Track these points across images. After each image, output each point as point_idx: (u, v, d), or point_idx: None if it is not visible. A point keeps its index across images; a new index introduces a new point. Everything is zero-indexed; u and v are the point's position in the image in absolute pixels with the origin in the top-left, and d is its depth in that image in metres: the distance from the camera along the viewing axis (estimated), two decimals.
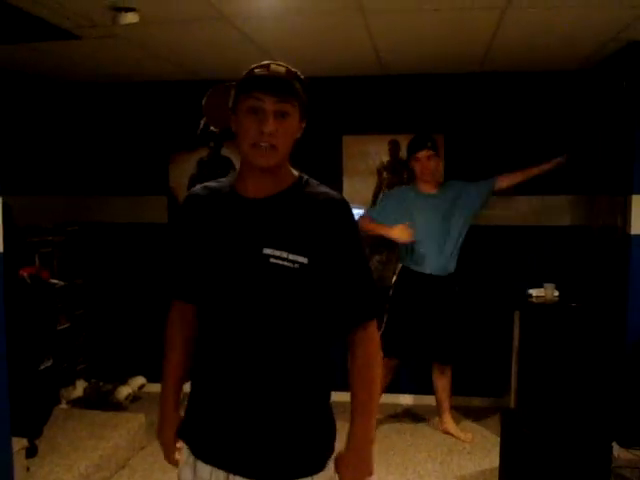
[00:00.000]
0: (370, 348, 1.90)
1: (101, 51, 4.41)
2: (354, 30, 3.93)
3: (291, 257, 1.78)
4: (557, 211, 5.22)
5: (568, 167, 5.00)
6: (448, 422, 4.82)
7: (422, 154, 4.58)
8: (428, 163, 4.58)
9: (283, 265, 1.78)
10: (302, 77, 1.87)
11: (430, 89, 5.30)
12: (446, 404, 4.82)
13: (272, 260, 1.78)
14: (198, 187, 2.01)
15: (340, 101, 5.32)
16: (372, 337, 1.91)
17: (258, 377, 1.82)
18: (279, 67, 1.83)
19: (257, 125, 1.76)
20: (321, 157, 5.21)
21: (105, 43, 4.15)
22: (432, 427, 4.93)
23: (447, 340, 4.70)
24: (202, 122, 4.58)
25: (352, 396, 1.90)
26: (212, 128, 4.52)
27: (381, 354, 1.93)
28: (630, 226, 4.26)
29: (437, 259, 4.60)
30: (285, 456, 1.83)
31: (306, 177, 1.94)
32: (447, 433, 4.79)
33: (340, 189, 5.25)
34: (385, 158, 5.36)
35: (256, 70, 1.82)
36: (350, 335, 1.89)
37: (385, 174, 5.38)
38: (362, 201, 5.21)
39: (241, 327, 1.82)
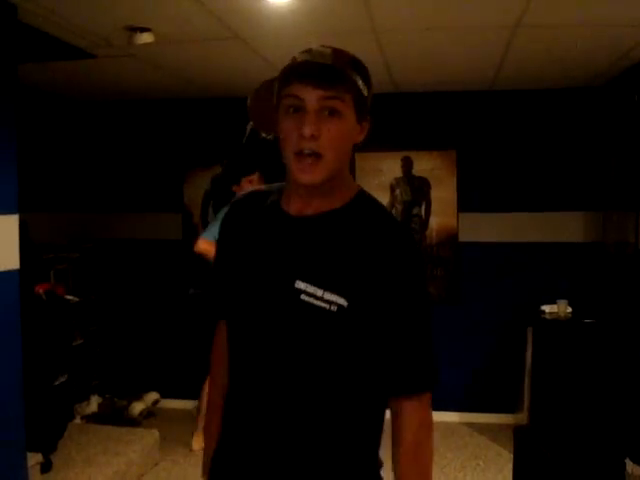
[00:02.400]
0: (426, 422, 1.47)
1: (117, 70, 4.48)
2: (367, 49, 3.97)
3: (327, 296, 1.38)
4: (570, 227, 5.22)
5: (582, 183, 5.01)
6: None
7: (254, 177, 4.51)
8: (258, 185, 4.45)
9: (317, 306, 1.39)
10: (361, 63, 1.50)
11: (442, 106, 5.33)
12: None
13: (303, 297, 1.40)
14: (245, 192, 1.67)
15: None
16: (427, 411, 1.47)
17: (286, 428, 1.44)
18: (325, 49, 1.42)
19: (297, 127, 1.37)
20: None
21: (121, 62, 4.21)
22: (445, 444, 4.92)
23: None
24: (248, 128, 4.23)
25: (397, 475, 1.46)
26: (263, 135, 4.16)
27: (431, 440, 1.49)
28: None
29: None
30: None
31: (367, 194, 1.53)
32: None
33: None
34: (397, 174, 5.38)
35: (297, 55, 1.42)
36: (398, 402, 1.46)
37: (398, 190, 5.40)
38: None
39: (268, 368, 1.46)
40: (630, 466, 4.15)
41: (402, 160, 5.37)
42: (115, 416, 5.19)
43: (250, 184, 4.39)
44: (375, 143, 5.18)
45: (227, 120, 5.52)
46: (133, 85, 5.07)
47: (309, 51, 1.41)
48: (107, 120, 5.82)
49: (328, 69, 1.37)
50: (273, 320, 1.44)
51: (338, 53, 1.42)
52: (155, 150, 5.74)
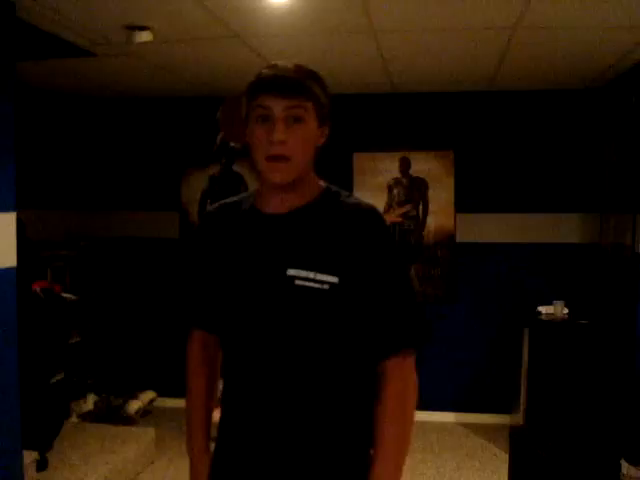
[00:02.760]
0: (408, 381, 1.59)
1: (115, 68, 4.48)
2: (365, 49, 3.98)
3: (319, 277, 1.55)
4: (567, 229, 5.23)
5: (579, 185, 5.03)
6: None
7: None
8: None
9: (311, 287, 1.55)
10: (318, 75, 1.66)
11: (440, 107, 5.34)
12: None
13: (298, 282, 1.55)
14: (215, 205, 1.79)
15: (351, 118, 5.36)
16: (410, 369, 1.60)
17: (290, 413, 1.57)
18: (288, 64, 1.59)
19: (267, 134, 1.53)
20: (332, 174, 5.23)
21: (119, 60, 4.21)
22: (441, 444, 4.92)
23: None
24: (219, 138, 4.39)
25: (378, 434, 1.58)
26: (232, 144, 4.23)
27: (414, 397, 1.61)
28: (639, 245, 4.27)
29: None
30: None
31: (335, 188, 1.72)
32: None
33: None
34: (395, 175, 5.39)
35: (263, 71, 1.59)
36: (383, 363, 1.58)
37: (395, 190, 5.41)
38: None
39: (269, 358, 1.58)
40: (625, 467, 4.15)
41: (400, 160, 5.37)
42: (111, 414, 5.18)
43: None
44: (373, 143, 5.23)
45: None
46: (131, 83, 5.07)
47: (274, 66, 1.59)
48: (105, 118, 5.82)
49: (291, 81, 1.55)
50: (271, 308, 1.58)
51: (299, 67, 1.60)
52: (153, 148, 5.74)
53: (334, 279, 1.54)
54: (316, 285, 1.55)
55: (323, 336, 1.57)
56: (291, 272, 1.56)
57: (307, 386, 1.57)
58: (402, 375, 1.58)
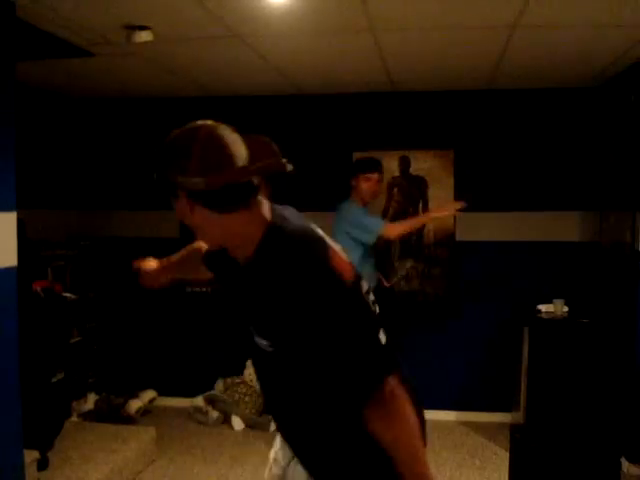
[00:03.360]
0: (387, 415, 1.54)
1: (115, 68, 4.49)
2: (365, 48, 3.98)
3: (259, 340, 1.63)
4: (567, 227, 5.24)
5: (579, 183, 5.05)
6: None
7: (375, 176, 4.62)
8: (377, 185, 4.66)
9: (260, 346, 1.65)
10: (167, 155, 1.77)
11: (440, 106, 5.34)
12: None
13: (255, 338, 1.66)
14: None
15: (351, 118, 5.37)
16: (383, 404, 1.54)
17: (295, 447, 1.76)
18: None
19: None
20: (332, 173, 5.26)
21: (119, 60, 4.22)
22: (441, 443, 4.93)
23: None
24: None
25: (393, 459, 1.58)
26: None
27: (407, 420, 1.57)
28: (639, 242, 4.27)
29: (375, 272, 4.76)
30: None
31: (275, 232, 1.62)
32: None
33: None
34: (395, 173, 5.39)
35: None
36: (366, 412, 1.55)
37: (395, 189, 5.41)
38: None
39: (268, 397, 1.84)
40: (626, 465, 4.17)
41: (399, 159, 5.37)
42: (112, 414, 5.19)
43: (367, 182, 4.55)
44: (372, 142, 5.23)
45: (225, 118, 5.53)
46: (130, 83, 5.07)
47: None
48: (105, 118, 5.82)
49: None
50: (252, 356, 1.78)
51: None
52: (152, 148, 5.73)
53: (267, 342, 1.61)
54: (262, 345, 1.64)
55: (288, 391, 1.68)
56: (251, 328, 1.67)
57: (297, 432, 1.74)
58: (378, 415, 1.54)
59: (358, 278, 1.63)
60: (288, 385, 1.65)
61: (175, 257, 2.49)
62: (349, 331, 1.53)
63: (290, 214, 1.71)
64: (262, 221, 1.63)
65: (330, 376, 1.57)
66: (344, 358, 1.53)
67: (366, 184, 4.60)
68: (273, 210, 1.68)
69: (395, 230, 4.55)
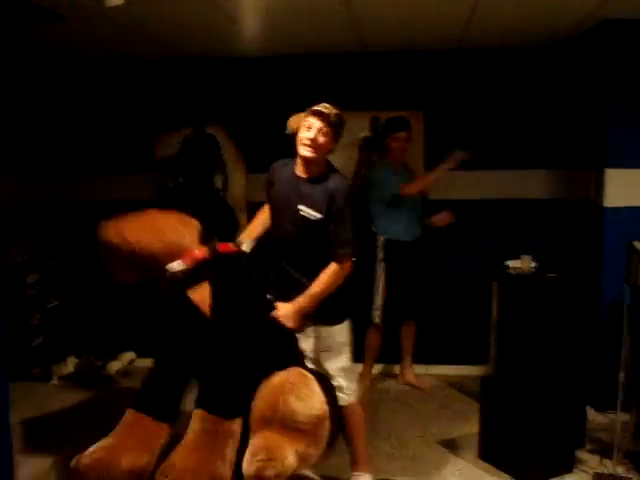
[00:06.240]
0: (337, 269, 3.13)
1: (86, 30, 4.44)
2: (334, 9, 4.00)
3: (311, 212, 3.14)
4: (535, 185, 5.35)
5: (546, 141, 5.15)
6: (411, 374, 5.30)
7: (402, 135, 4.92)
8: (406, 144, 4.96)
9: (306, 215, 3.15)
10: (342, 118, 3.28)
11: (410, 66, 5.38)
12: (411, 359, 5.30)
13: (301, 213, 3.16)
14: (280, 162, 3.40)
15: (321, 78, 5.39)
16: (339, 267, 3.13)
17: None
18: (328, 106, 3.22)
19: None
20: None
21: (90, 23, 4.18)
22: (415, 395, 5.09)
23: (421, 298, 5.15)
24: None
25: (316, 278, 3.12)
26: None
27: (339, 280, 3.17)
28: (603, 199, 4.41)
29: (414, 226, 4.99)
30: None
31: (334, 169, 3.30)
32: (408, 384, 5.25)
33: None
34: (366, 133, 5.44)
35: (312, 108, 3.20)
36: (331, 260, 3.15)
37: (366, 150, 5.46)
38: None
39: (287, 243, 3.25)
40: (591, 413, 4.36)
41: (371, 119, 5.42)
42: (92, 376, 5.27)
43: (396, 142, 4.93)
44: (345, 103, 5.23)
45: (193, 80, 5.55)
46: (102, 45, 5.03)
47: (321, 105, 3.17)
48: (76, 81, 5.76)
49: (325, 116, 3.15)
50: (290, 222, 3.22)
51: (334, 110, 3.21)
52: (127, 111, 5.71)
53: (319, 215, 3.14)
54: (309, 215, 3.15)
55: (311, 239, 3.17)
56: (300, 207, 3.18)
57: (304, 256, 3.23)
58: (335, 266, 3.14)
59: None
60: (310, 236, 3.16)
61: (254, 223, 3.57)
62: (351, 218, 3.18)
63: None
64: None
65: (332, 236, 3.14)
66: (343, 229, 3.14)
67: (395, 143, 4.93)
68: None
69: (411, 189, 4.84)
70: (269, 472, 2.36)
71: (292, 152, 3.27)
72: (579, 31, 4.64)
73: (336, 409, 2.62)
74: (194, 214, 3.16)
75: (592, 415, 4.37)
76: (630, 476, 3.65)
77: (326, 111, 3.13)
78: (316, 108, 3.13)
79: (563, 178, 5.22)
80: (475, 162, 5.29)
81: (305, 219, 3.16)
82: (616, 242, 4.18)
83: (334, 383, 3.25)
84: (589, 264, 4.65)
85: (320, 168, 3.21)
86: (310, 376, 2.61)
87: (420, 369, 5.46)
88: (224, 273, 2.96)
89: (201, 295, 2.83)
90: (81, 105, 5.79)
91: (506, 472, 3.79)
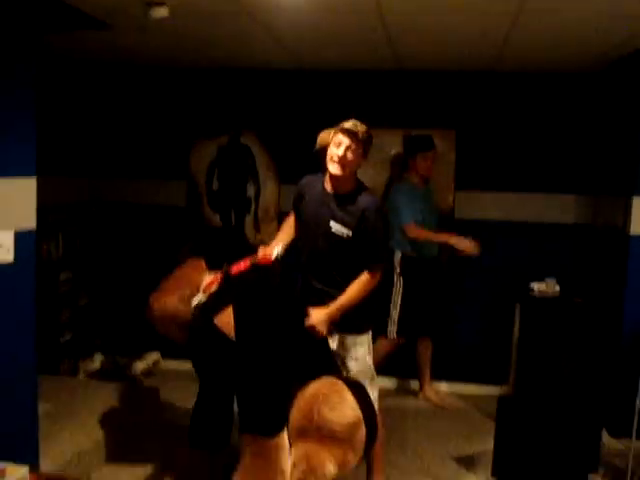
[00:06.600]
0: (369, 279, 3.27)
1: (130, 39, 4.58)
2: (371, 27, 4.08)
3: (343, 229, 3.26)
4: (563, 209, 5.38)
5: (576, 167, 5.20)
6: (431, 391, 5.32)
7: (430, 155, 5.01)
8: (432, 163, 5.04)
9: (337, 233, 3.27)
10: (370, 135, 3.42)
11: (444, 86, 5.46)
12: (429, 375, 5.33)
13: (333, 230, 3.28)
14: (308, 177, 3.55)
15: (355, 94, 5.48)
16: (372, 276, 3.28)
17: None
18: (357, 124, 3.35)
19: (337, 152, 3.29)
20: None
21: (134, 33, 4.32)
22: (433, 411, 5.13)
23: (435, 315, 5.23)
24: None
25: (348, 287, 3.27)
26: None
27: (369, 290, 3.30)
28: (630, 227, 4.42)
29: (429, 246, 5.05)
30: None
31: (364, 185, 3.41)
32: (429, 401, 5.28)
33: None
34: (398, 150, 5.51)
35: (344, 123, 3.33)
36: (364, 271, 3.29)
37: (398, 166, 5.53)
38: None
39: (318, 257, 3.35)
40: (606, 437, 4.36)
41: (403, 137, 5.48)
42: (117, 373, 5.38)
43: (425, 161, 4.99)
44: (377, 119, 5.33)
45: (230, 90, 5.68)
46: (144, 53, 5.17)
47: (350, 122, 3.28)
48: (115, 87, 5.93)
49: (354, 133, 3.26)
50: (321, 239, 3.32)
51: (362, 127, 3.33)
52: (164, 118, 5.85)
53: (349, 232, 3.26)
54: (340, 232, 3.27)
55: (340, 254, 3.30)
56: (332, 223, 3.29)
57: (331, 269, 3.34)
58: (367, 277, 3.28)
59: None
60: (339, 251, 3.29)
61: (280, 235, 3.62)
62: (384, 233, 3.35)
63: None
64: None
65: (365, 250, 3.27)
66: (376, 244, 3.29)
67: (424, 162, 5.00)
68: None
69: (415, 232, 4.90)
70: None
71: (322, 166, 3.36)
72: (611, 60, 4.67)
73: (371, 412, 2.67)
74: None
75: (608, 440, 4.36)
76: None
77: (355, 129, 3.22)
78: (346, 126, 3.22)
79: (591, 204, 5.24)
80: (505, 184, 5.37)
81: (335, 235, 3.27)
82: None
83: None
84: (613, 290, 4.66)
85: (349, 184, 3.32)
86: (341, 383, 2.66)
87: (442, 386, 5.51)
88: (245, 290, 3.08)
89: (226, 319, 2.91)
90: (124, 111, 5.95)
91: None
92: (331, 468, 2.46)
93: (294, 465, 2.52)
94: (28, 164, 3.22)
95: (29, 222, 3.21)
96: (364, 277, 3.27)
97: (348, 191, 3.31)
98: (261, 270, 3.16)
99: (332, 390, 2.60)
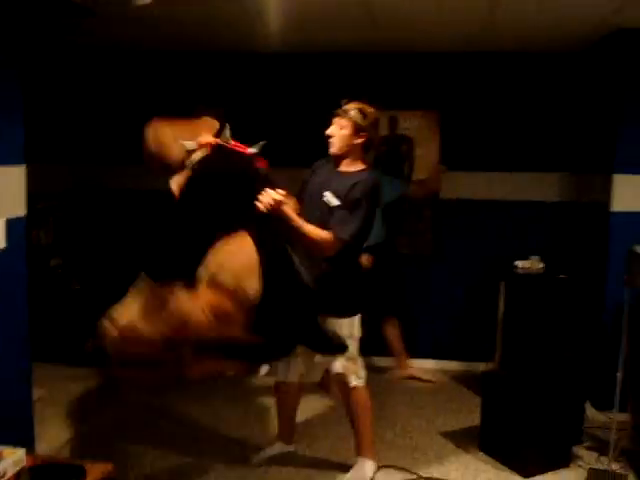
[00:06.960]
0: (327, 239, 3.29)
1: (115, 25, 4.59)
2: (354, 10, 4.10)
3: (329, 198, 3.40)
4: (546, 187, 5.45)
5: (559, 145, 5.25)
6: (410, 367, 5.38)
7: None
8: None
9: (327, 201, 3.41)
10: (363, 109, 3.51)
11: (427, 67, 5.50)
12: (404, 352, 5.34)
13: (324, 198, 3.42)
14: (320, 161, 3.69)
15: (340, 77, 5.49)
16: (332, 241, 3.30)
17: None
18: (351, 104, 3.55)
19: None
20: (323, 130, 5.40)
21: (119, 20, 4.33)
22: (421, 388, 5.22)
23: (393, 295, 5.29)
24: None
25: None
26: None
27: (324, 246, 3.30)
28: (611, 203, 4.50)
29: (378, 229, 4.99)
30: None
31: (369, 168, 3.59)
32: (412, 378, 5.33)
33: None
34: (384, 132, 5.54)
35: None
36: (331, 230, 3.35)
37: (384, 148, 5.57)
38: None
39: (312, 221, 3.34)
40: (591, 412, 4.46)
41: (388, 119, 5.52)
42: (106, 359, 5.38)
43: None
44: (364, 102, 5.32)
45: (215, 74, 5.69)
46: (128, 40, 5.20)
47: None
48: (107, 70, 5.90)
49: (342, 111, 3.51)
50: (316, 206, 3.44)
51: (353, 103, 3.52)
52: (159, 102, 5.82)
53: (338, 202, 3.38)
54: (329, 201, 3.40)
55: (327, 223, 3.34)
56: (324, 193, 3.43)
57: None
58: (328, 235, 3.31)
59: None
60: (328, 222, 3.32)
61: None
62: (364, 211, 3.39)
63: None
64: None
65: (339, 215, 3.36)
66: (350, 215, 3.35)
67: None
68: None
69: None
70: None
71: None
72: (593, 39, 4.71)
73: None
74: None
75: (592, 413, 4.46)
76: (625, 473, 3.74)
77: (344, 108, 3.48)
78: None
79: (574, 182, 5.31)
80: (489, 164, 5.42)
81: (325, 204, 3.41)
82: (622, 246, 4.24)
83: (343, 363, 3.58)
84: (595, 266, 4.74)
85: (352, 164, 3.52)
86: (248, 239, 2.75)
87: (429, 364, 5.60)
88: (217, 166, 3.05)
89: (178, 180, 3.06)
90: (114, 96, 5.93)
91: (504, 464, 3.90)
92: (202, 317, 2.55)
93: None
94: (17, 152, 3.24)
95: (19, 209, 3.25)
96: (326, 233, 3.30)
97: (352, 170, 3.50)
98: (240, 158, 3.11)
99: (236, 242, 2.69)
